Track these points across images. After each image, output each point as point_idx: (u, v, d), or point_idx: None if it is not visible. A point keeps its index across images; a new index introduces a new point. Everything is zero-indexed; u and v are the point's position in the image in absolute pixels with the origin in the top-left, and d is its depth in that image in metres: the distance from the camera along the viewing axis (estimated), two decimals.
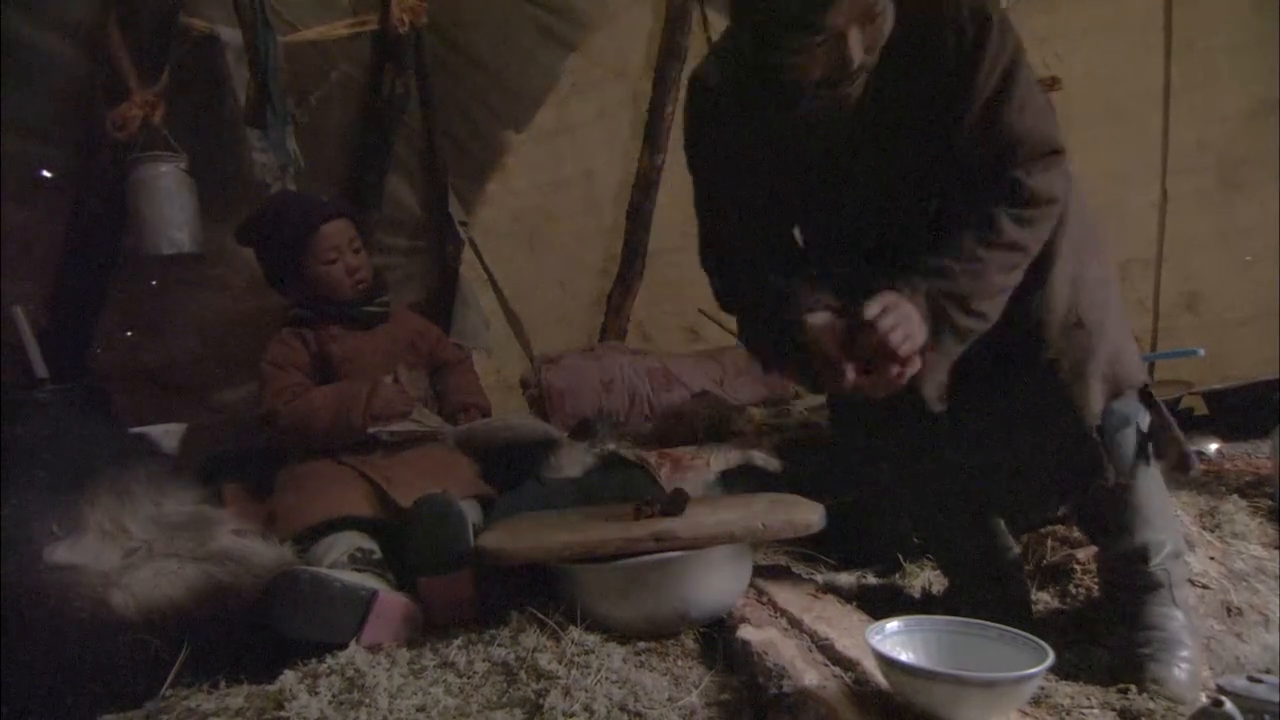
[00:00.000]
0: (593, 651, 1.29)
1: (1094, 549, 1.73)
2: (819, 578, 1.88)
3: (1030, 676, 0.89)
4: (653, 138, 3.21)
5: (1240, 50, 3.05)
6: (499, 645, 1.36)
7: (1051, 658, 0.91)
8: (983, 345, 1.31)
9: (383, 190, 2.89)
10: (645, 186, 3.27)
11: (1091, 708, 1.24)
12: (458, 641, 1.40)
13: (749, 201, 1.46)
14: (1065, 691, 1.30)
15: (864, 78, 1.26)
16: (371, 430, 1.92)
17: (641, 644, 1.35)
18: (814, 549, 1.95)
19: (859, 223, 1.44)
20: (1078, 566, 1.76)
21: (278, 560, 1.55)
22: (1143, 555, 1.43)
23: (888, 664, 0.96)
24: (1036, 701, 1.22)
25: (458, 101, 2.94)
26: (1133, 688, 1.29)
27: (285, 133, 2.18)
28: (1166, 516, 1.47)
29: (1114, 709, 1.24)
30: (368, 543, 1.68)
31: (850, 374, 1.24)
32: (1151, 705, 1.23)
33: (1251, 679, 1.04)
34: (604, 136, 3.26)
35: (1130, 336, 1.45)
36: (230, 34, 2.22)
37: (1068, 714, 1.21)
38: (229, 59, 2.22)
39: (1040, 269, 1.31)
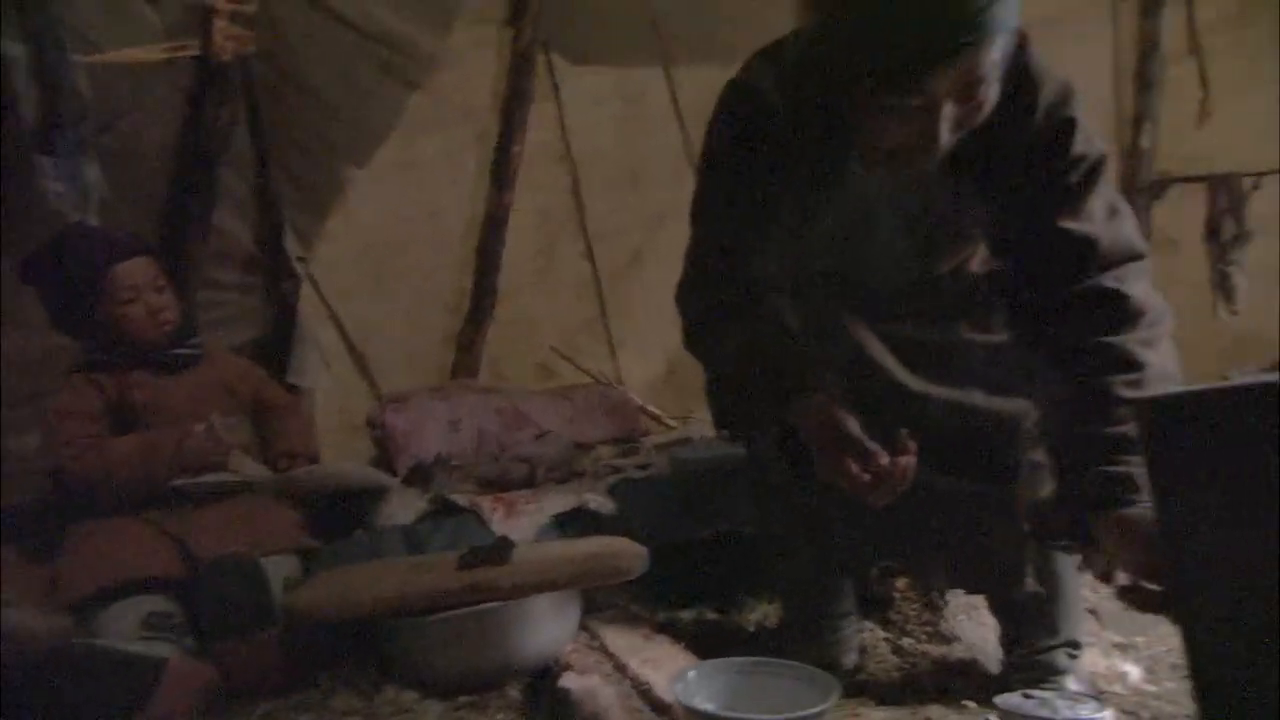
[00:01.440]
0: (409, 710, 1.25)
1: (909, 578, 1.83)
2: (660, 616, 1.88)
3: (815, 715, 0.92)
4: (499, 176, 3.19)
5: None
6: (306, 711, 1.29)
7: (837, 692, 0.94)
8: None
9: (209, 223, 2.72)
10: (493, 225, 3.24)
11: None
12: (261, 709, 1.31)
13: (773, 232, 1.30)
14: (876, 717, 1.35)
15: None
16: (177, 484, 1.77)
17: (462, 698, 1.31)
18: (652, 587, 1.95)
19: (874, 282, 1.33)
20: (897, 594, 1.85)
21: (52, 632, 1.39)
22: (1069, 652, 1.37)
23: (688, 711, 0.97)
24: None
25: (293, 134, 2.82)
26: (937, 707, 1.36)
27: (81, 160, 2.01)
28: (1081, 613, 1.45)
29: None
30: (165, 605, 1.53)
31: (856, 472, 1.05)
32: None
33: (1025, 695, 1.11)
34: (450, 174, 3.20)
35: None
36: (21, 50, 2.03)
37: None
38: (18, 78, 2.03)
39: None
